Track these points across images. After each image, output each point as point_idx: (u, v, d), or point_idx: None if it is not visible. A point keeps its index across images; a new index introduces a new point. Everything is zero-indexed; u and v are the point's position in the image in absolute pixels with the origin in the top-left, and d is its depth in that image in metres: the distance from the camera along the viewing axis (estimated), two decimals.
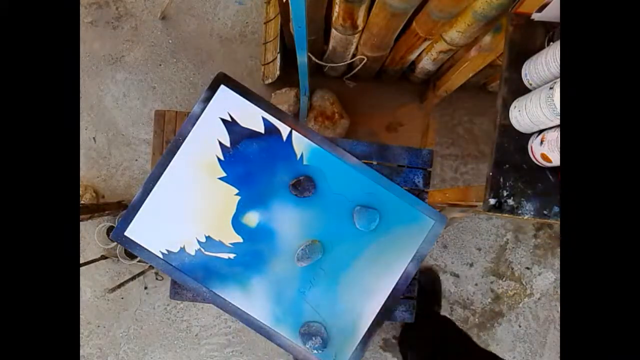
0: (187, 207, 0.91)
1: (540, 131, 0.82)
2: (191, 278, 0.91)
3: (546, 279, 1.78)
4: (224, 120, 0.92)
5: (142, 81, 1.71)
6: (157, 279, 1.69)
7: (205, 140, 0.91)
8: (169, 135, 1.69)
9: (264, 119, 0.92)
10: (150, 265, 1.64)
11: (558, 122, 0.74)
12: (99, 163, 1.69)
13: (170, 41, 1.71)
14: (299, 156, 0.92)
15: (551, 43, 0.85)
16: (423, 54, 1.35)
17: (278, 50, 1.51)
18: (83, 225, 1.64)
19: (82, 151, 1.68)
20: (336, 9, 1.10)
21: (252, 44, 1.71)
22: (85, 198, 1.66)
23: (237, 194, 0.91)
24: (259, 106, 0.92)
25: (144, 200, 0.91)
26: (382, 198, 0.92)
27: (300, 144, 0.92)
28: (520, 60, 0.86)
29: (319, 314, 0.91)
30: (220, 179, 0.91)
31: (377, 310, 0.91)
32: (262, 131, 0.92)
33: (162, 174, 0.91)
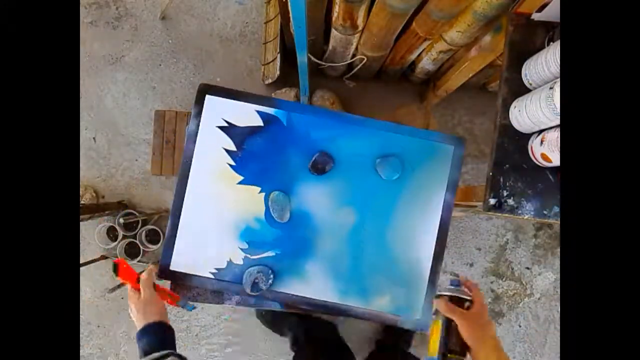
0: (219, 221, 0.91)
1: (540, 131, 0.82)
2: None
3: (546, 279, 1.78)
4: (221, 128, 0.92)
5: (142, 81, 1.71)
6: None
7: (211, 153, 0.91)
8: (169, 135, 1.68)
9: (258, 111, 0.92)
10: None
11: (558, 122, 0.74)
12: (99, 163, 1.69)
13: (170, 41, 1.71)
14: (305, 134, 0.92)
15: (551, 43, 0.85)
16: (423, 54, 1.35)
17: (278, 50, 1.51)
18: (83, 225, 1.64)
19: (82, 151, 1.68)
20: (336, 9, 1.10)
21: (252, 44, 1.71)
22: (85, 198, 1.65)
23: (260, 192, 0.92)
24: (249, 102, 0.92)
25: (176, 230, 0.91)
26: (396, 143, 0.92)
27: (302, 122, 0.92)
28: (520, 60, 0.86)
29: (380, 273, 0.91)
30: (239, 183, 0.91)
31: (433, 247, 0.91)
32: (261, 123, 0.92)
33: (183, 200, 0.91)
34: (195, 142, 0.91)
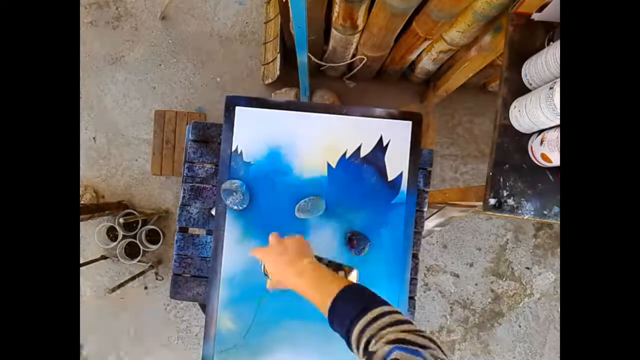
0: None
1: (540, 131, 0.82)
2: None
3: (546, 279, 1.78)
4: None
5: (142, 81, 1.71)
6: (157, 279, 1.69)
7: None
8: (169, 135, 1.68)
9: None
10: (151, 265, 1.65)
11: (558, 122, 0.74)
12: (99, 163, 1.69)
13: (170, 41, 1.71)
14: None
15: (551, 43, 0.85)
16: (423, 53, 1.35)
17: (278, 50, 1.51)
18: (83, 225, 1.64)
19: (82, 151, 1.68)
20: (336, 9, 1.10)
21: (252, 44, 1.71)
22: (85, 198, 1.65)
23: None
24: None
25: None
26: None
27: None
28: (520, 60, 0.86)
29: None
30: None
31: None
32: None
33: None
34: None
